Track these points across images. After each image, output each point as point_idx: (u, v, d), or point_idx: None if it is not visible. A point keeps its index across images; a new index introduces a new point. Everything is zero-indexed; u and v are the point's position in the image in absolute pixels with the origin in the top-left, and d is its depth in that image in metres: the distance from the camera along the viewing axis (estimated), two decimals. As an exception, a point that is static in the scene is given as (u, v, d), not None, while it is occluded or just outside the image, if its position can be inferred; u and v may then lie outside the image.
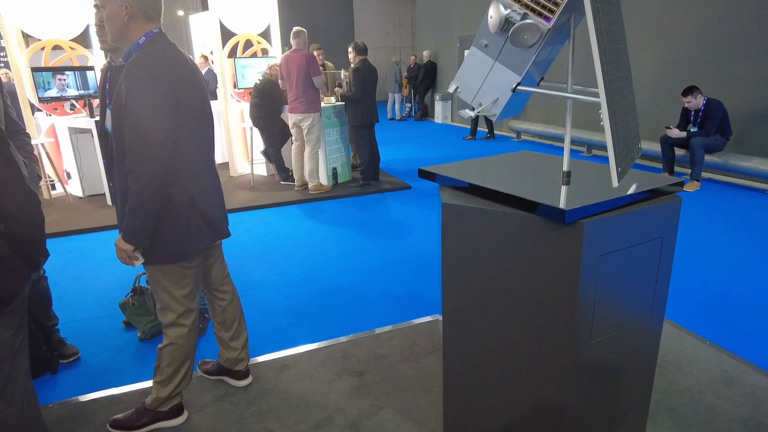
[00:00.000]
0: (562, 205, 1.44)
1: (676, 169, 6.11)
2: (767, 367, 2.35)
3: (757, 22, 5.51)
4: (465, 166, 2.06)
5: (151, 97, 1.62)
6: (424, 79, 12.56)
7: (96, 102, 5.84)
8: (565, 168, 1.67)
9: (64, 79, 5.60)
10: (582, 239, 1.43)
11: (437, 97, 12.30)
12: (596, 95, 1.43)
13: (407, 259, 3.81)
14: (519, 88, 1.62)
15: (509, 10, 1.54)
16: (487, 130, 9.83)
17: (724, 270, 3.44)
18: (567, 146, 1.65)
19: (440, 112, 12.16)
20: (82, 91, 5.72)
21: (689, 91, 5.55)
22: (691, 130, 5.63)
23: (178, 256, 1.84)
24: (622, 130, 1.52)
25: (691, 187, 5.58)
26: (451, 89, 1.79)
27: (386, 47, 19.10)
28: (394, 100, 13.26)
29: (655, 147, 6.26)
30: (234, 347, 2.28)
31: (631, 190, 1.57)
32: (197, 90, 1.80)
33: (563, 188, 1.66)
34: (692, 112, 5.64)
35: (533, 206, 1.51)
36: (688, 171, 5.72)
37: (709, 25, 6.03)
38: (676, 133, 5.72)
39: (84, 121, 5.56)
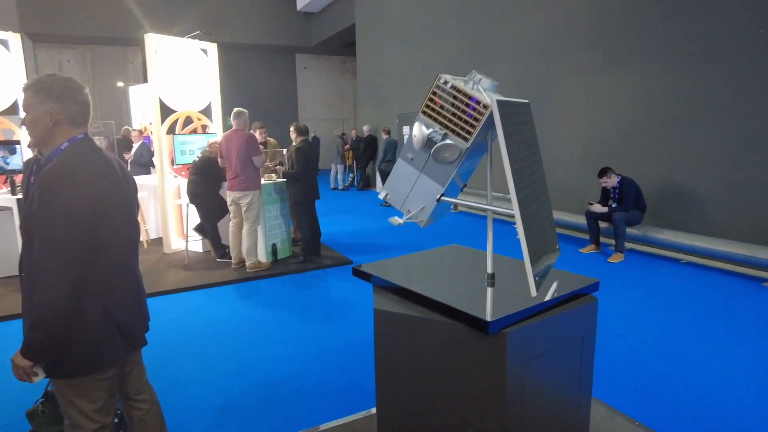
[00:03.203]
0: (487, 315, 1.50)
1: (602, 240, 6.53)
2: (692, 449, 2.45)
3: (665, 108, 6.20)
4: (398, 264, 2.11)
5: (64, 208, 1.55)
6: (365, 151, 13.00)
7: (19, 178, 5.56)
8: (489, 270, 1.75)
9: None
10: (506, 348, 1.47)
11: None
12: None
13: (347, 345, 3.74)
14: (443, 198, 1.72)
15: (431, 130, 1.65)
16: None
17: (648, 344, 3.62)
18: (489, 251, 1.74)
19: (381, 182, 12.50)
20: (5, 166, 5.44)
21: (603, 172, 6.10)
22: (612, 205, 6.10)
23: (88, 370, 1.70)
24: (538, 240, 1.63)
25: (616, 258, 5.95)
26: (381, 196, 1.86)
27: (329, 119, 19.73)
28: (337, 171, 13.53)
29: (582, 220, 6.69)
30: (156, 462, 2.10)
31: (549, 296, 1.65)
32: (119, 196, 1.74)
33: (488, 291, 1.73)
34: (610, 190, 6.16)
35: (459, 315, 1.55)
36: (613, 242, 6.12)
37: (625, 111, 6.73)
38: (598, 208, 6.19)
39: (3, 198, 5.24)
